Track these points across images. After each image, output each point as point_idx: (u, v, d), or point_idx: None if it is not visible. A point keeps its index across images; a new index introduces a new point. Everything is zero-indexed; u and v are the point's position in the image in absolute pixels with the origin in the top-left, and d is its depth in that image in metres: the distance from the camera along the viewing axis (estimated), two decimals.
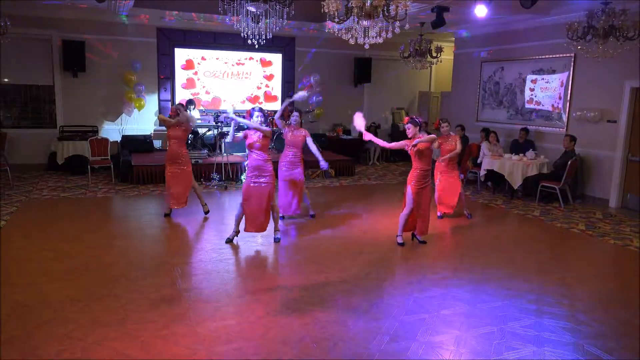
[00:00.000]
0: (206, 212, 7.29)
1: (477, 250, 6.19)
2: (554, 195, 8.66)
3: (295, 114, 6.89)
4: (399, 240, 6.17)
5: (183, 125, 6.96)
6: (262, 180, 5.85)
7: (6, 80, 10.35)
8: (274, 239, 6.16)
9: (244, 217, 5.98)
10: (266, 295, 4.59)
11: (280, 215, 6.82)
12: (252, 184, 5.86)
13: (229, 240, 6.05)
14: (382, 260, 5.62)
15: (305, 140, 6.83)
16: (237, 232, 6.09)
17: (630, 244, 6.55)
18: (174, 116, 6.96)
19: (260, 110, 5.83)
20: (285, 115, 6.96)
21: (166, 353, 3.51)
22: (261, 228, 6.00)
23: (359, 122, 5.83)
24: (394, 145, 6.08)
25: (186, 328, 3.87)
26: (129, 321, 3.94)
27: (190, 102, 10.70)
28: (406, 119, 6.09)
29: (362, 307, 4.36)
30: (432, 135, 5.89)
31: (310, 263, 5.55)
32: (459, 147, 7.31)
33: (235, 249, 5.89)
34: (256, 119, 5.74)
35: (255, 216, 5.92)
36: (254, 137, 5.79)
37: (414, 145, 5.79)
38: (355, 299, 4.53)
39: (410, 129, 5.90)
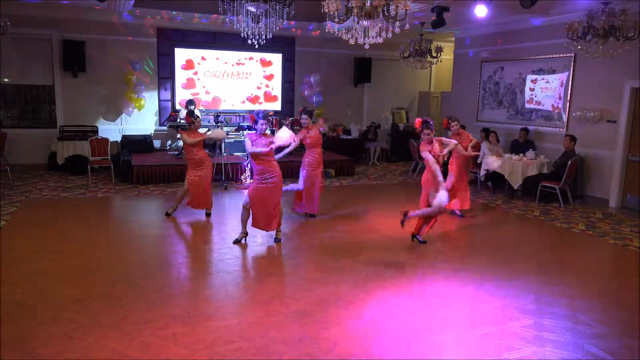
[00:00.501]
0: (208, 214, 7.30)
1: (477, 250, 6.20)
2: (554, 195, 8.66)
3: (304, 116, 7.03)
4: (411, 214, 5.93)
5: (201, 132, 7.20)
6: (269, 180, 5.83)
7: (6, 80, 10.34)
8: (275, 239, 6.15)
9: (250, 217, 5.97)
10: (266, 295, 4.58)
11: (304, 212, 7.32)
12: (260, 185, 5.84)
13: (237, 241, 6.04)
14: (382, 261, 5.62)
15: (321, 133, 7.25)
16: (245, 234, 6.08)
17: (630, 244, 6.55)
18: (189, 123, 7.03)
19: (264, 117, 5.80)
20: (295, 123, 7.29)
21: (166, 353, 3.51)
22: (274, 226, 6.00)
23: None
24: (433, 162, 5.76)
25: (186, 328, 3.87)
26: (128, 321, 3.94)
27: (190, 102, 10.70)
28: (418, 122, 6.01)
29: (362, 307, 4.36)
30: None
31: (310, 263, 5.56)
32: (474, 140, 7.69)
33: (236, 249, 5.89)
34: (261, 127, 5.75)
35: (268, 215, 5.91)
36: (260, 145, 5.72)
37: (443, 155, 5.90)
38: (355, 299, 4.53)
39: (429, 135, 5.86)
